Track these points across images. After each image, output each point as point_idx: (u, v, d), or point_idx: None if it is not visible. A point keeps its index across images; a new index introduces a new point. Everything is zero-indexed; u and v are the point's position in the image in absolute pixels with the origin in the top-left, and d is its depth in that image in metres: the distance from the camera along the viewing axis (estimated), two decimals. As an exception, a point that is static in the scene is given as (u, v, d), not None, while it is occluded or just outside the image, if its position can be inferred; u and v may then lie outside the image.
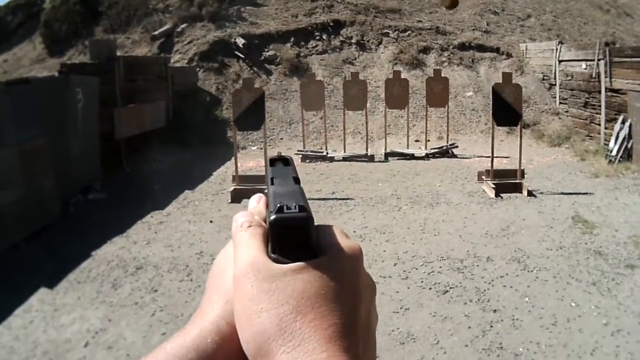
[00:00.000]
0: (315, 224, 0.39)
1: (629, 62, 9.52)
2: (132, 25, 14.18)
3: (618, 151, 9.35)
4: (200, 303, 0.42)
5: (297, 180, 0.44)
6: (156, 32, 13.51)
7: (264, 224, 0.41)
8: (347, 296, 0.37)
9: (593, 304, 4.76)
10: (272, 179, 0.44)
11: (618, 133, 9.50)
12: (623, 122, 9.54)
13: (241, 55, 12.64)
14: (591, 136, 11.05)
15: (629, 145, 9.29)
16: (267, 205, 0.41)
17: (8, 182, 5.80)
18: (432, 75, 10.65)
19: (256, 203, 0.45)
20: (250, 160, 9.58)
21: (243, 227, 0.41)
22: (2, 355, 3.79)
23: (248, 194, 7.10)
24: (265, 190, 0.44)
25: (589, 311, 4.67)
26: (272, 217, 0.37)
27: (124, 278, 4.94)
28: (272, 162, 0.48)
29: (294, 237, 0.37)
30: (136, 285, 4.78)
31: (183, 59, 12.62)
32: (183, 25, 13.49)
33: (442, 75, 10.85)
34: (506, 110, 7.74)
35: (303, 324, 0.34)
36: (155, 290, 4.67)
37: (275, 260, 0.37)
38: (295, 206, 0.38)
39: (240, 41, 12.79)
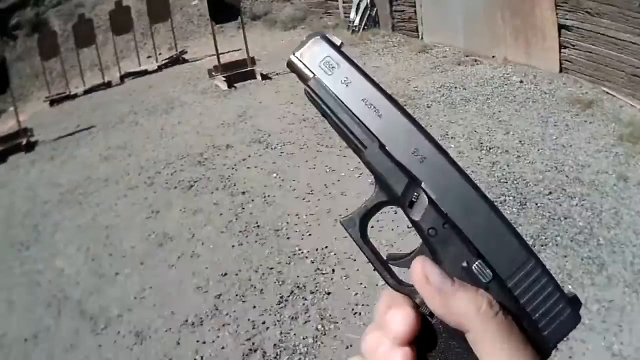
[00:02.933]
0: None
1: None
2: None
3: (361, 20, 9.37)
4: None
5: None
6: None
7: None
8: None
9: (352, 166, 4.69)
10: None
11: (359, 4, 9.49)
12: (363, -8, 9.44)
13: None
14: (330, 12, 11.07)
15: (373, 13, 9.36)
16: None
17: None
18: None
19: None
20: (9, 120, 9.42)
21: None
22: None
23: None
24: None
25: (349, 173, 4.62)
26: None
27: None
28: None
29: None
30: None
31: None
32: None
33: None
34: (224, 8, 7.98)
35: None
36: None
37: None
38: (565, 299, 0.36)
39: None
